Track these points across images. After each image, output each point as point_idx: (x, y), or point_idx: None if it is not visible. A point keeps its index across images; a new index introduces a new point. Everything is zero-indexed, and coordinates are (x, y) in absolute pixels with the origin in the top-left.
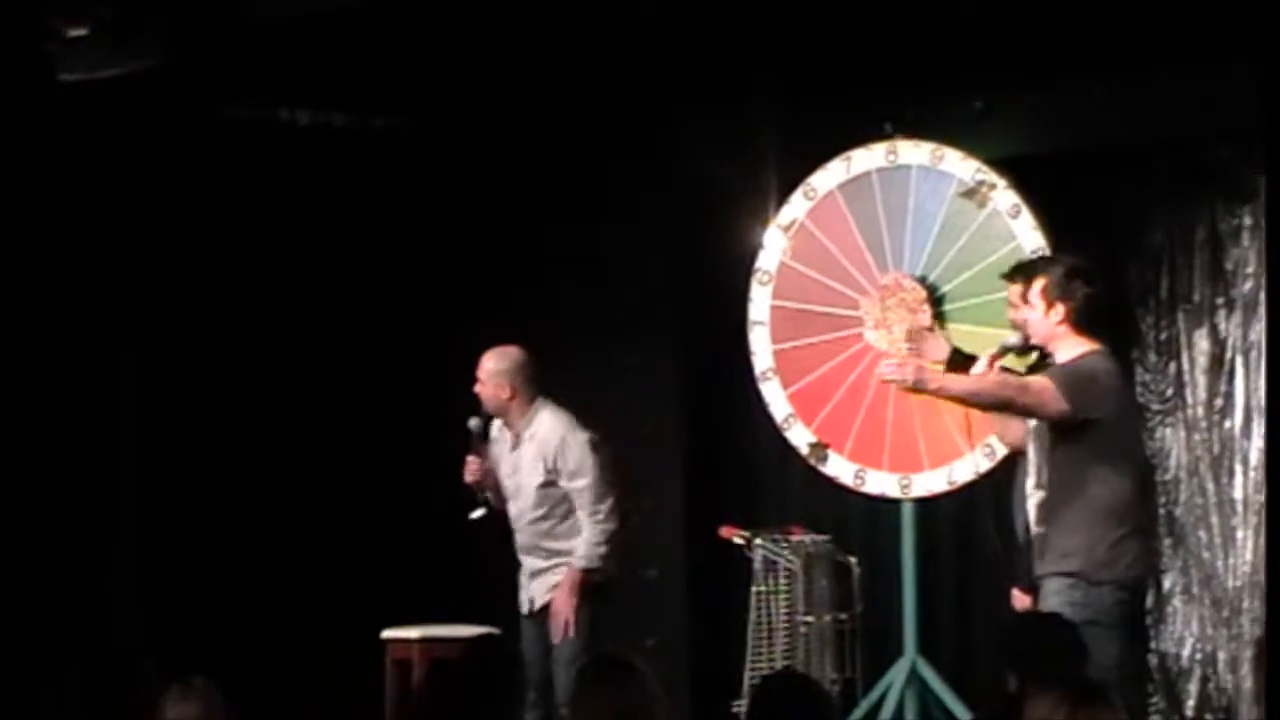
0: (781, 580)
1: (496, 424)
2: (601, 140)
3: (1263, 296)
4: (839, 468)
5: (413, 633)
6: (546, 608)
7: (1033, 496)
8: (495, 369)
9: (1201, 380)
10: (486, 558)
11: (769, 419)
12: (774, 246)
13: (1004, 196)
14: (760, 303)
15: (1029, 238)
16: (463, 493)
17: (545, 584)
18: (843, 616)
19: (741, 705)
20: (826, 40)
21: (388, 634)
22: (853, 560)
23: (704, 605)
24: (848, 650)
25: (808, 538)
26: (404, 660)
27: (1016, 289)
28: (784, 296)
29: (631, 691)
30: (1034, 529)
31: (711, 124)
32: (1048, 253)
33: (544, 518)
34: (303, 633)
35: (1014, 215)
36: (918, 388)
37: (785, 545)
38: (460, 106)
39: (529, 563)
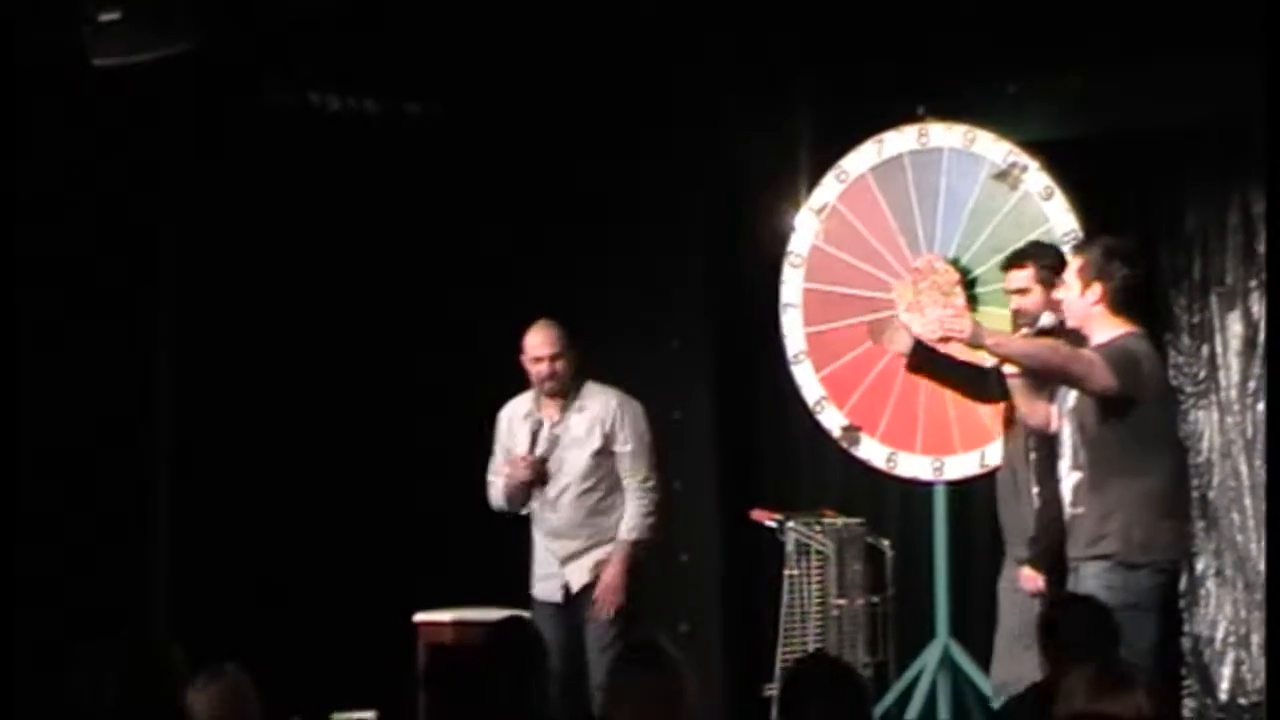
0: (814, 563)
1: (521, 410)
2: (633, 125)
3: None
4: (871, 451)
5: (446, 616)
6: (585, 591)
7: (1068, 478)
8: (565, 341)
9: (1234, 363)
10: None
11: (801, 402)
12: (806, 229)
13: (1036, 179)
14: (792, 285)
15: (1061, 220)
16: (515, 493)
17: (585, 565)
18: (875, 600)
19: (774, 688)
20: (860, 22)
21: (420, 617)
22: (885, 543)
23: (736, 589)
24: (880, 633)
25: (840, 521)
26: (437, 643)
27: (1022, 274)
28: (816, 279)
29: (666, 677)
30: (1068, 511)
31: (744, 107)
32: (1080, 235)
33: (592, 489)
34: (334, 616)
35: (1046, 198)
36: (974, 341)
37: (818, 528)
38: (493, 93)
39: (564, 546)
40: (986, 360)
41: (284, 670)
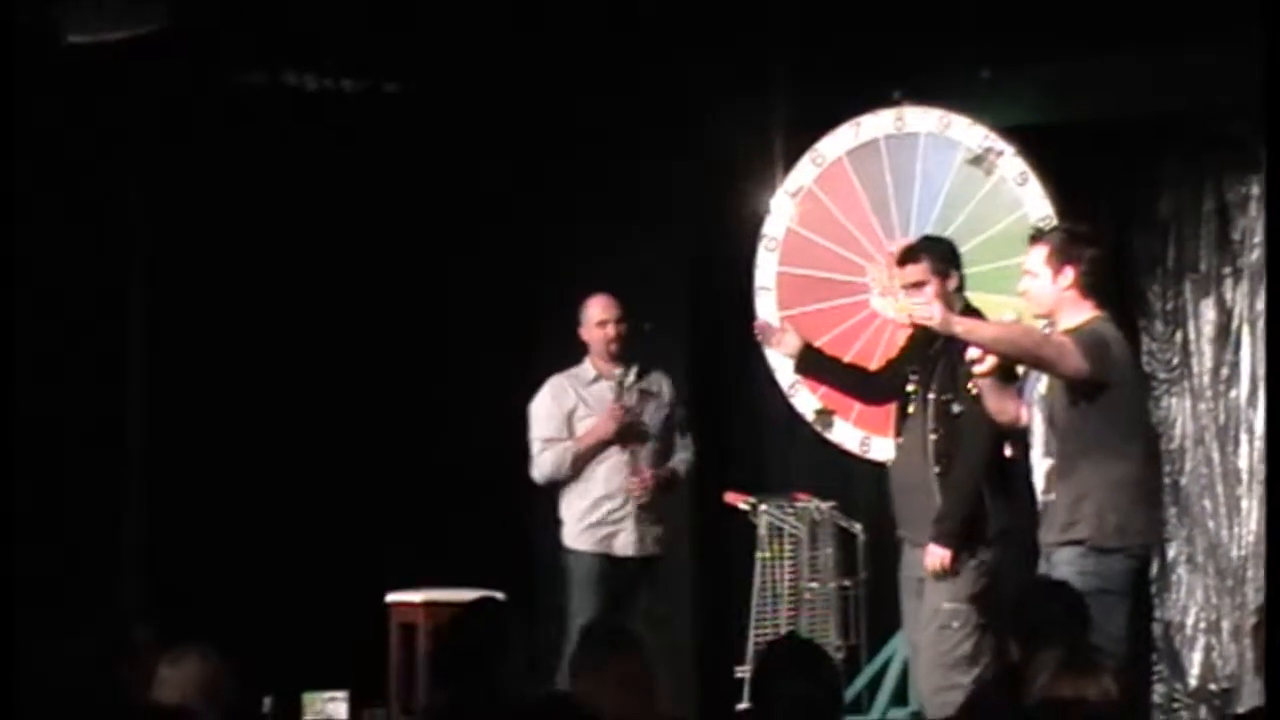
0: (786, 546)
1: (579, 379)
2: (607, 107)
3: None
4: (844, 434)
5: (417, 596)
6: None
7: (1040, 465)
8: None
9: (1208, 350)
10: (494, 521)
11: (775, 385)
12: (781, 212)
13: (1011, 164)
14: (766, 269)
15: (1036, 206)
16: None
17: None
18: (847, 583)
19: (745, 671)
20: (837, 6)
21: (392, 597)
22: (858, 527)
23: (709, 570)
24: (852, 617)
25: (813, 504)
26: (409, 624)
27: (916, 268)
28: (791, 263)
29: (630, 660)
30: (1041, 497)
31: (720, 89)
32: (1054, 221)
33: (665, 446)
34: (307, 596)
35: (1021, 183)
36: (943, 328)
37: (790, 511)
38: (470, 71)
39: (647, 503)
40: (873, 364)
41: (256, 650)
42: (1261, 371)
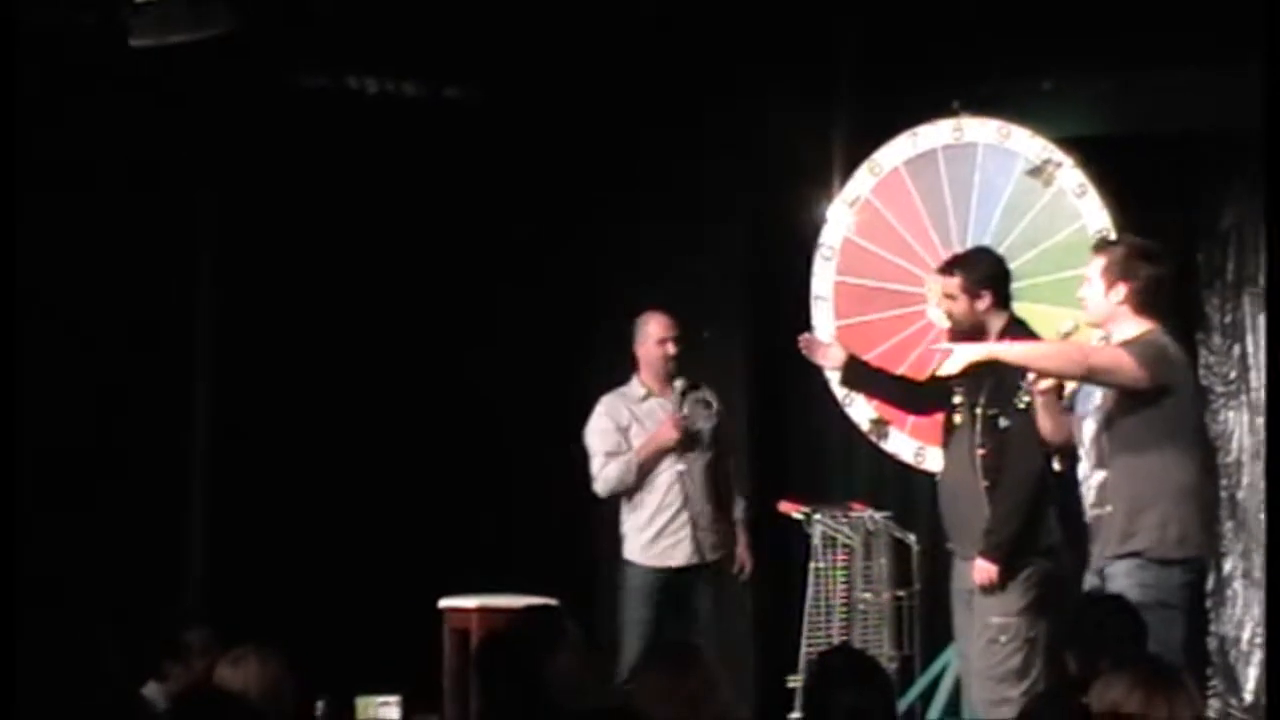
0: (840, 557)
1: (631, 395)
2: (669, 116)
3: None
4: (899, 444)
5: (470, 602)
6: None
7: (1092, 478)
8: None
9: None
10: (550, 528)
11: (831, 395)
12: (839, 222)
13: (1070, 175)
14: (824, 278)
15: (1094, 217)
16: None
17: (711, 532)
18: (901, 594)
19: (798, 681)
20: (895, 16)
21: (446, 603)
22: (912, 538)
23: (763, 579)
24: (906, 628)
25: (867, 514)
26: (462, 629)
27: (951, 281)
28: (848, 272)
29: (696, 676)
30: (1091, 513)
31: (780, 99)
32: (1112, 232)
33: (720, 456)
34: (362, 600)
35: (1080, 194)
36: (988, 357)
37: (844, 521)
38: (532, 76)
39: (697, 509)
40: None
41: (311, 652)
42: None
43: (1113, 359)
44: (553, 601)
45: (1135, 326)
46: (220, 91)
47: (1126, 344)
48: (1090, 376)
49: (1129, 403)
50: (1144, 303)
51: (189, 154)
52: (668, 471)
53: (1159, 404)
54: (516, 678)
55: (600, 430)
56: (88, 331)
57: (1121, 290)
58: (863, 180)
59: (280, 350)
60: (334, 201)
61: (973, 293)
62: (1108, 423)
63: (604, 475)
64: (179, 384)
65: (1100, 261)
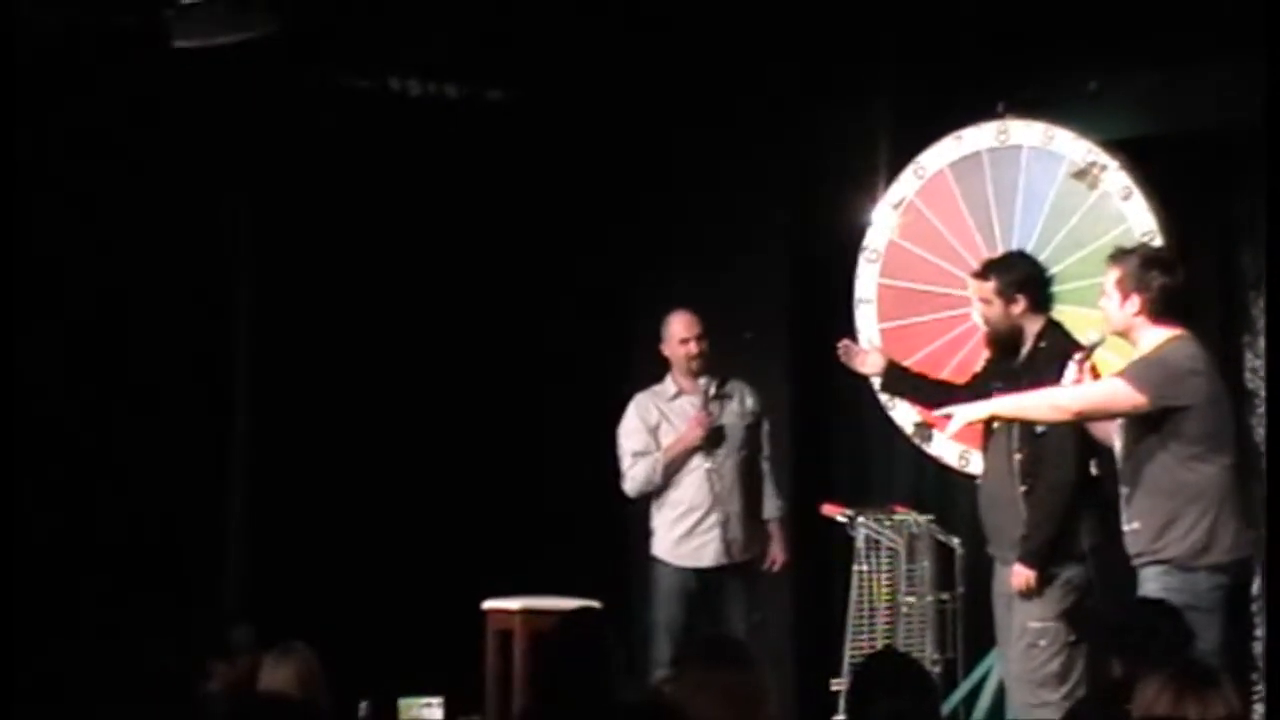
0: (884, 559)
1: (661, 394)
2: (711, 120)
3: None
4: (943, 448)
5: (513, 604)
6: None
7: (1122, 493)
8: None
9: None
10: (590, 530)
11: (875, 397)
12: (883, 224)
13: (1115, 178)
14: (867, 280)
15: (1140, 220)
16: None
17: (741, 530)
18: (945, 597)
19: (841, 684)
20: (940, 18)
21: (489, 605)
22: (955, 541)
23: (807, 582)
24: (949, 631)
25: (910, 517)
26: (505, 631)
27: (986, 286)
28: (892, 275)
29: (743, 674)
30: (1124, 526)
31: (824, 101)
32: (1158, 236)
33: (749, 456)
34: (405, 602)
35: (1125, 197)
36: (992, 413)
37: (888, 524)
38: (573, 78)
39: (727, 508)
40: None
41: (354, 654)
42: None
43: (1106, 394)
44: (595, 603)
45: (1155, 335)
46: (262, 93)
47: (1130, 366)
48: (1083, 418)
49: (1137, 426)
50: (1160, 311)
51: (231, 155)
52: (697, 470)
53: (1164, 422)
54: (564, 680)
55: (629, 430)
56: (129, 331)
57: (1136, 302)
58: (907, 183)
59: (322, 351)
60: (376, 202)
61: (1007, 297)
62: (1128, 441)
63: (632, 474)
64: (221, 383)
65: (1115, 273)
